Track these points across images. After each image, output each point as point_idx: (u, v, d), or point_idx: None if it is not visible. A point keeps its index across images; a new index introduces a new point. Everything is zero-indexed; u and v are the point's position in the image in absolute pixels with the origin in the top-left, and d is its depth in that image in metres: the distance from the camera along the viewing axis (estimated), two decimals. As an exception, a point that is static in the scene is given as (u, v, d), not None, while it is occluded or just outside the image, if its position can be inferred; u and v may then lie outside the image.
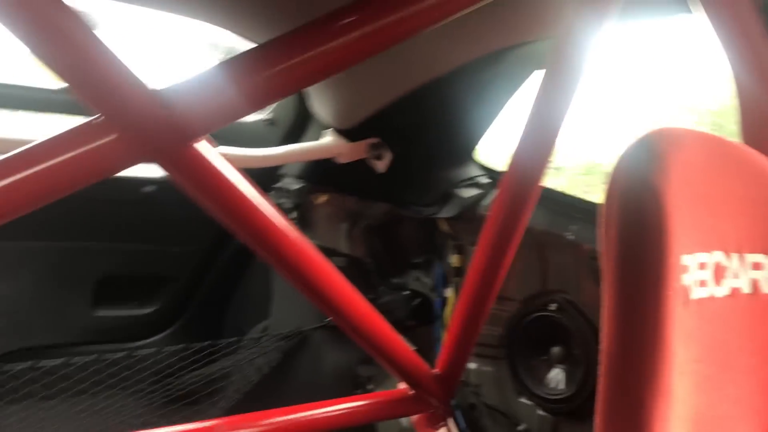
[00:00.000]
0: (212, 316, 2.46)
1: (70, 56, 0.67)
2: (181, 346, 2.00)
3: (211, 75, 0.75)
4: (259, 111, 2.12)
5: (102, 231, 2.14)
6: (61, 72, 0.68)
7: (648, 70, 5.27)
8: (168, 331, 2.38)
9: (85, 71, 0.68)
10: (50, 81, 1.85)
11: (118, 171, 0.78)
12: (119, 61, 0.69)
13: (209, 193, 0.89)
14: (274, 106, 2.11)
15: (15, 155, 0.72)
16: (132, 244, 2.22)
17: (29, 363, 1.73)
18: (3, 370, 1.76)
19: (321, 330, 2.04)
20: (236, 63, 0.76)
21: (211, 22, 1.56)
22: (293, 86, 0.85)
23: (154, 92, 0.73)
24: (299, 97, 1.97)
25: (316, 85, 1.78)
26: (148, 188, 2.06)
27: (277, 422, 1.30)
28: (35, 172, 0.71)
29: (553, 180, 4.78)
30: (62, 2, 0.65)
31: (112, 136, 0.73)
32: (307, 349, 2.09)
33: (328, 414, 1.36)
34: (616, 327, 0.62)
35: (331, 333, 2.02)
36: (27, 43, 0.65)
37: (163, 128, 0.75)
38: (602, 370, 0.63)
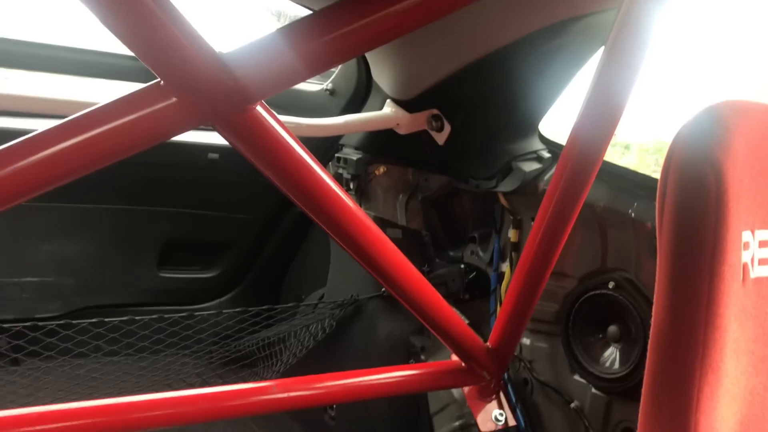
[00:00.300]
0: (271, 281, 2.52)
1: (134, 19, 0.68)
2: (240, 309, 2.06)
3: (270, 40, 0.76)
4: (320, 81, 2.13)
5: (168, 196, 2.21)
6: (123, 35, 0.69)
7: (728, 48, 5.06)
8: (228, 295, 2.45)
9: (148, 34, 0.70)
10: (116, 47, 1.90)
11: (177, 134, 0.80)
12: (184, 23, 0.70)
13: (266, 159, 0.90)
14: (334, 76, 2.11)
15: (77, 117, 0.75)
16: (196, 210, 2.28)
17: (96, 319, 1.81)
18: (72, 324, 1.84)
19: (376, 299, 2.06)
20: (295, 28, 0.77)
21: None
22: (350, 52, 0.85)
23: (215, 55, 0.74)
24: (360, 67, 1.97)
25: (376, 55, 1.78)
26: (213, 155, 2.11)
27: (330, 386, 1.32)
28: (96, 135, 0.74)
29: (621, 158, 4.66)
30: None
31: (172, 100, 0.75)
32: (361, 317, 2.11)
33: (381, 381, 1.38)
34: (668, 301, 0.61)
35: (385, 303, 2.04)
36: (93, 10, 0.67)
37: (222, 91, 0.76)
38: (651, 343, 0.61)
